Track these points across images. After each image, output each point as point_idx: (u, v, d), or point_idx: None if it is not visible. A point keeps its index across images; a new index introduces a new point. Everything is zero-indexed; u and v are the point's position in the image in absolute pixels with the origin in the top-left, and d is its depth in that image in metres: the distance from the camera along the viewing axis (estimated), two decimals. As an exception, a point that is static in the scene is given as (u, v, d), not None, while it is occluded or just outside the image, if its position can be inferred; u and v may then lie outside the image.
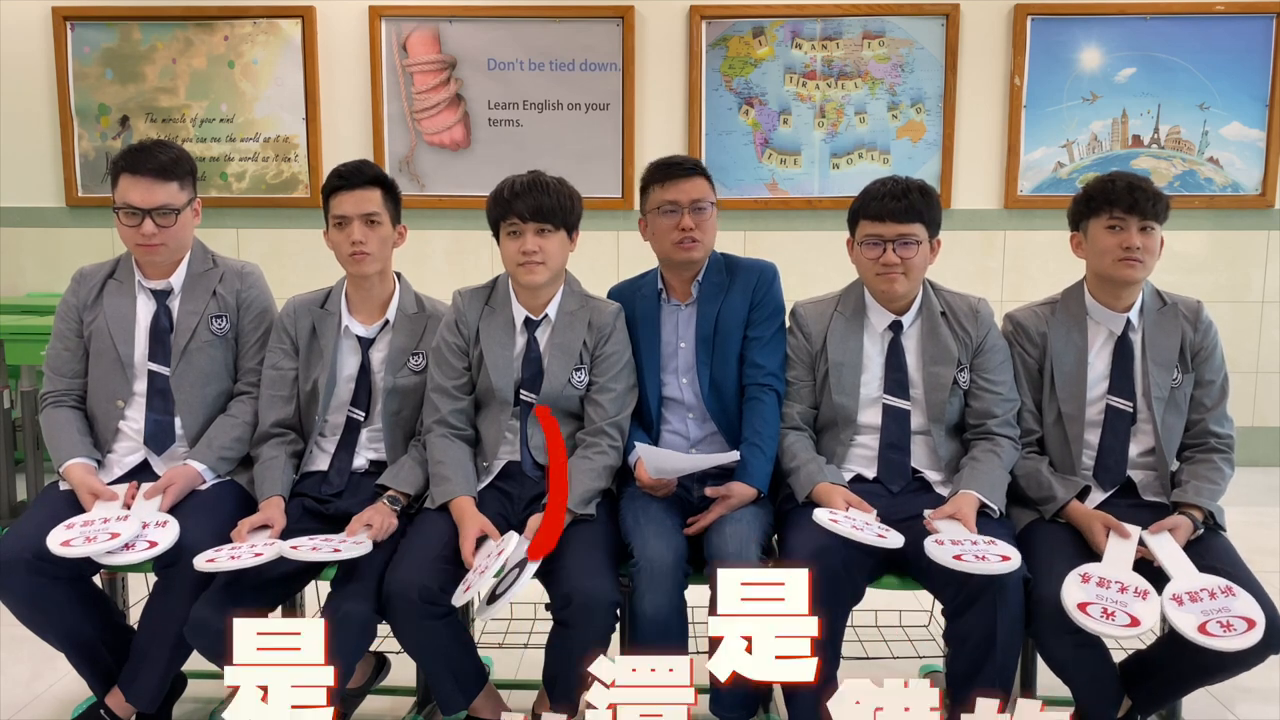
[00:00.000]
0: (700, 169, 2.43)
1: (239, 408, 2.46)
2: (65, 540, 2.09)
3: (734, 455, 2.30)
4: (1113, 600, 1.98)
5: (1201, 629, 1.92)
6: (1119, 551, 2.11)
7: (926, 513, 2.20)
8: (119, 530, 2.13)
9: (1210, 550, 2.14)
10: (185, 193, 2.39)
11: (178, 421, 2.42)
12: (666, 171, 2.41)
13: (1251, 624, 1.93)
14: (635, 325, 2.46)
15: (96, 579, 2.35)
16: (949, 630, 2.15)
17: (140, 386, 2.41)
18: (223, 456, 2.39)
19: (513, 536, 2.09)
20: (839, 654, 2.17)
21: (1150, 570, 2.09)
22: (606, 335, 2.38)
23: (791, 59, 4.65)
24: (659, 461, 2.27)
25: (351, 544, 2.14)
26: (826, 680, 2.14)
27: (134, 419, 2.42)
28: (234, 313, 2.48)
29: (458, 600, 2.03)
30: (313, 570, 2.25)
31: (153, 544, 2.12)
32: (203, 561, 2.05)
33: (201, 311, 2.44)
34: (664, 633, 2.16)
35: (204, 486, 2.35)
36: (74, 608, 2.22)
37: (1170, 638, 2.19)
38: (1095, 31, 4.58)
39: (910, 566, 2.22)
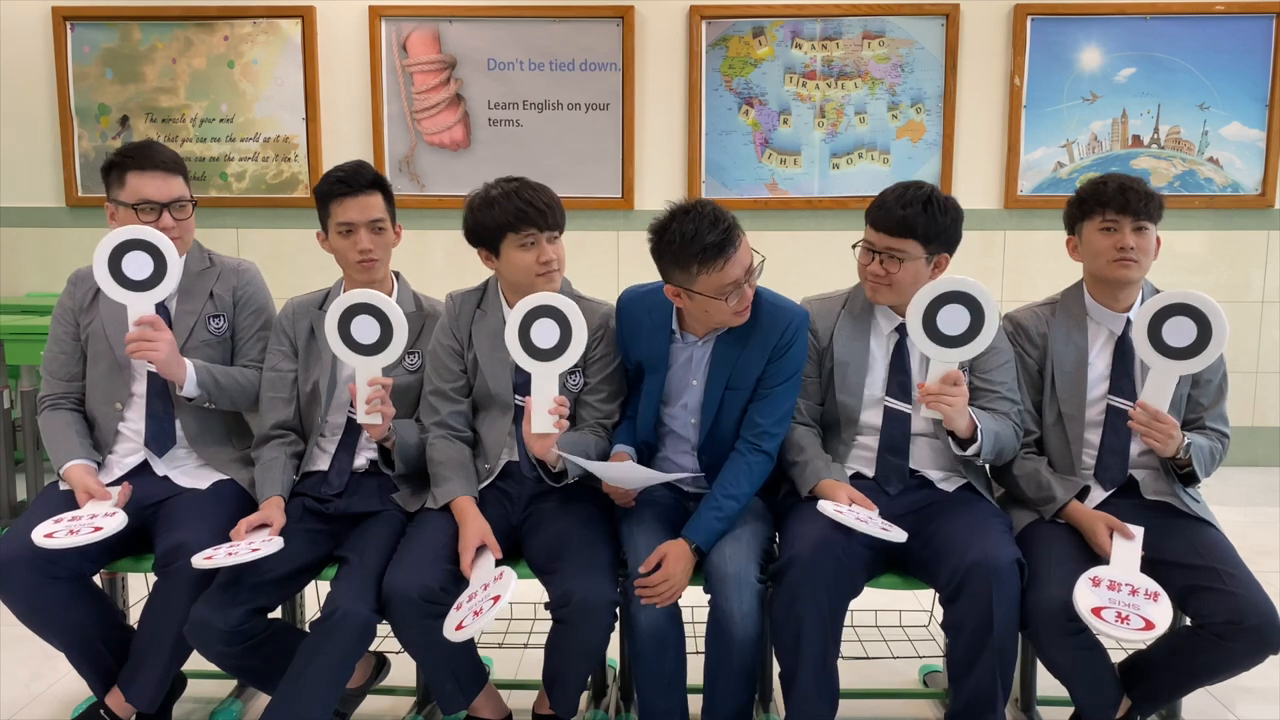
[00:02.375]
0: (738, 225, 2.16)
1: (236, 366, 2.49)
2: (49, 533, 2.09)
3: (687, 475, 2.29)
4: (1125, 603, 1.97)
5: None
6: (1125, 553, 2.10)
7: (920, 386, 2.18)
8: (103, 525, 2.12)
9: (1206, 546, 2.14)
10: (188, 189, 2.43)
11: (179, 422, 2.42)
12: (722, 250, 2.10)
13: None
14: (641, 346, 2.34)
15: (96, 578, 2.35)
16: (946, 618, 2.15)
17: (139, 388, 2.41)
18: (212, 374, 2.38)
19: (510, 578, 2.02)
20: (839, 644, 2.17)
21: (1156, 572, 2.09)
22: (599, 335, 2.37)
23: (791, 59, 4.65)
24: (609, 473, 2.23)
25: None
26: (827, 671, 2.16)
27: (133, 420, 2.42)
28: (230, 311, 2.48)
29: (450, 636, 1.97)
30: (312, 570, 2.26)
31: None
32: (200, 559, 2.05)
33: (199, 311, 2.44)
34: (661, 643, 2.16)
35: (184, 390, 2.34)
36: (74, 607, 2.22)
37: (1170, 637, 2.19)
38: (1095, 31, 4.59)
39: (909, 560, 2.22)
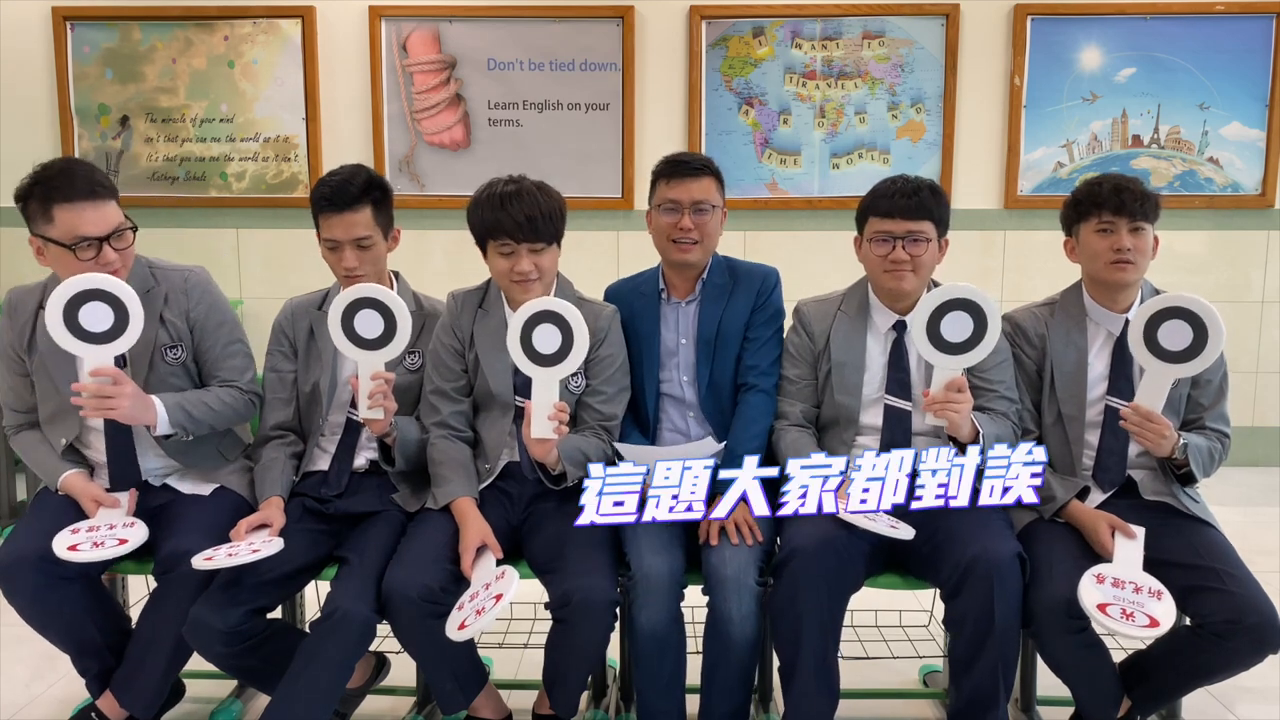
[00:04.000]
0: (709, 169, 2.42)
1: (212, 389, 2.35)
2: (72, 545, 2.08)
3: (712, 445, 2.29)
4: (1129, 601, 1.98)
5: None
6: (1128, 552, 2.11)
7: (924, 391, 2.20)
8: (128, 537, 2.12)
9: (1205, 546, 2.15)
10: (120, 209, 2.22)
11: (152, 454, 2.34)
12: (674, 168, 2.41)
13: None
14: (634, 322, 2.46)
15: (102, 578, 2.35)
16: (947, 614, 2.16)
17: (96, 422, 2.28)
18: (184, 407, 2.24)
19: (512, 577, 2.03)
20: (839, 639, 2.18)
21: (1156, 572, 2.09)
22: (601, 338, 2.37)
23: (791, 59, 4.65)
24: (640, 458, 2.24)
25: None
26: (827, 665, 2.16)
27: (96, 446, 2.33)
28: (188, 337, 2.34)
29: (453, 635, 1.97)
30: (312, 570, 2.26)
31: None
32: (200, 560, 2.04)
33: (153, 341, 2.28)
34: (662, 646, 2.17)
35: (157, 429, 2.22)
36: (80, 608, 2.22)
37: (1170, 637, 2.19)
38: (1095, 31, 4.58)
39: (910, 557, 2.23)
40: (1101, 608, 1.96)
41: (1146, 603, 1.98)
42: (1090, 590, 2.00)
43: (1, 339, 2.34)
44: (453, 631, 1.97)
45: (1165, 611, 1.96)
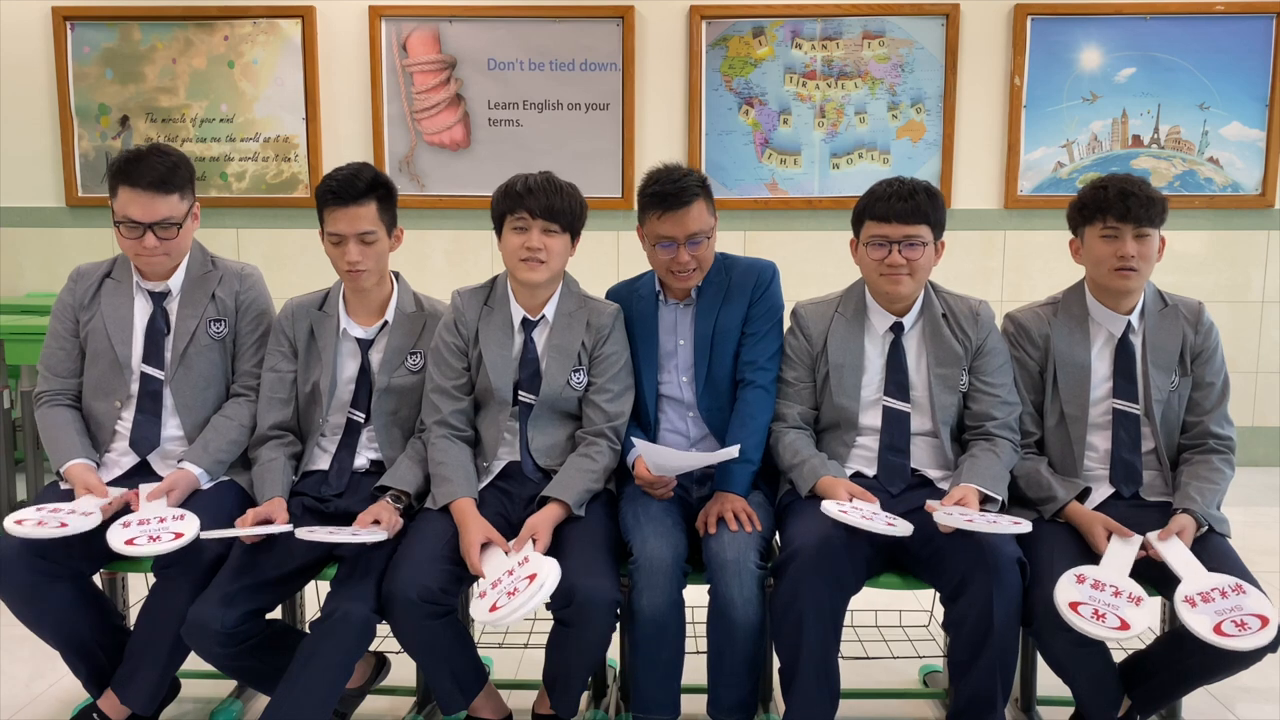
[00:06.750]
0: (697, 189, 2.33)
1: (235, 409, 2.44)
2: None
3: (732, 451, 2.28)
4: (1104, 603, 1.97)
5: (1216, 629, 1.92)
6: (1119, 555, 2.10)
7: (929, 503, 2.17)
8: (181, 530, 2.12)
9: (1211, 552, 2.14)
10: (185, 202, 2.36)
11: (172, 424, 2.41)
12: (663, 202, 2.31)
13: (1265, 621, 1.92)
14: (633, 325, 2.46)
15: (96, 578, 2.35)
16: (947, 617, 2.16)
17: (136, 388, 2.41)
18: (219, 460, 2.38)
19: (552, 566, 2.01)
20: (839, 639, 2.18)
21: (1152, 573, 2.09)
22: (605, 336, 2.37)
23: (791, 59, 4.65)
24: (657, 458, 2.26)
25: (368, 532, 2.14)
26: (828, 666, 2.16)
27: (130, 420, 2.41)
28: (232, 315, 2.46)
29: (483, 618, 1.96)
30: (312, 570, 2.26)
31: (178, 535, 2.11)
32: (209, 535, 2.09)
33: (200, 315, 2.43)
34: (662, 631, 2.17)
35: (203, 488, 2.35)
36: (71, 607, 2.22)
37: (1170, 637, 2.19)
38: (1095, 31, 4.59)
39: (910, 559, 2.22)
40: (1073, 606, 1.96)
41: (1122, 606, 1.97)
42: (1067, 588, 2.00)
43: (61, 301, 2.45)
44: (483, 614, 1.96)
45: (1139, 617, 1.95)
